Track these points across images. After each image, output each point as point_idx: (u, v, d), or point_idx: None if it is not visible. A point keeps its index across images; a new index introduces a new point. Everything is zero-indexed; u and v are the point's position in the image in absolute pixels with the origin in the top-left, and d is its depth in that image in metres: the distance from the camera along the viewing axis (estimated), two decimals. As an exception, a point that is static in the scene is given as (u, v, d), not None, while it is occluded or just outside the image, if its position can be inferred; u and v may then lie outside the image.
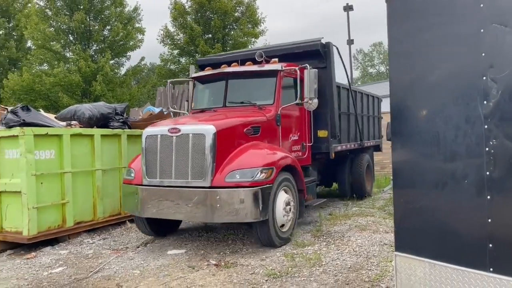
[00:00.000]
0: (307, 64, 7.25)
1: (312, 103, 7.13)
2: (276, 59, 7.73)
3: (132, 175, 6.72)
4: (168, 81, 8.99)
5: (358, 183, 10.61)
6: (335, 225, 7.78)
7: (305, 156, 7.92)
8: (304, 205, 7.32)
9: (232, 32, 29.01)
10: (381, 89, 20.05)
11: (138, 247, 6.77)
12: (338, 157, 9.53)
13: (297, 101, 7.36)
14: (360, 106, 10.79)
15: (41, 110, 9.72)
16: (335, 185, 11.67)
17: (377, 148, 12.67)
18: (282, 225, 6.42)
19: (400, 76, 3.39)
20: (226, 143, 6.15)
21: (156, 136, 6.35)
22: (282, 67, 7.41)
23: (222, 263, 5.69)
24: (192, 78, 8.70)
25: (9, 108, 7.79)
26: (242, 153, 6.24)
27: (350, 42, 31.03)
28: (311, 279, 5.01)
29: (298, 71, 7.36)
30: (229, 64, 8.30)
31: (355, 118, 10.22)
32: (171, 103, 8.43)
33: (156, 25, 45.72)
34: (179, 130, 6.15)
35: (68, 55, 28.36)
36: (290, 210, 6.52)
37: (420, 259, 3.15)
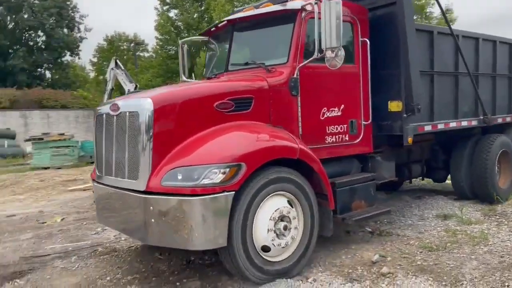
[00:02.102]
0: None
1: (337, 57, 4.49)
2: None
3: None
4: (180, 41, 6.54)
5: (481, 180, 7.02)
6: (514, 205, 6.98)
7: (357, 140, 5.34)
8: (337, 218, 4.85)
9: None
10: None
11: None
12: (448, 139, 7.18)
13: (316, 55, 4.63)
14: (487, 62, 7.23)
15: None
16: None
17: None
18: (273, 253, 4.21)
19: None
20: (175, 126, 4.14)
21: (102, 116, 4.71)
22: (302, 5, 4.86)
23: (377, 232, 5.77)
24: (201, 34, 6.47)
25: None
26: (201, 142, 4.12)
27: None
28: (472, 257, 4.73)
29: (316, 7, 4.59)
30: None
31: (471, 80, 6.67)
32: (184, 70, 6.36)
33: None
34: (118, 108, 4.40)
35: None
36: (287, 229, 4.24)
37: None
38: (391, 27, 5.48)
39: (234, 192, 3.84)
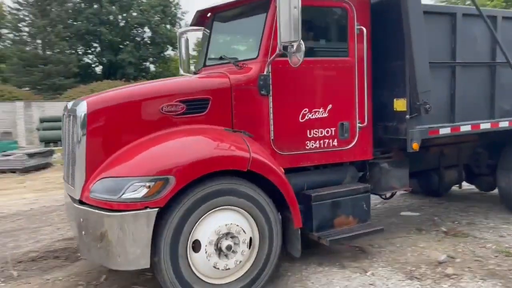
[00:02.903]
0: None
1: (298, 53, 3.71)
2: None
3: None
4: (178, 31, 5.94)
5: None
6: None
7: (350, 145, 4.60)
8: (314, 236, 4.28)
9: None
10: None
11: (376, 205, 7.15)
12: (496, 141, 6.07)
13: (278, 50, 3.84)
14: None
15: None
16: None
17: None
18: (215, 275, 3.70)
19: None
20: (113, 131, 3.74)
21: (63, 117, 4.45)
22: None
23: (452, 232, 5.54)
24: (192, 25, 5.64)
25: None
26: (136, 150, 3.69)
27: None
28: (554, 266, 4.37)
29: None
30: None
31: None
32: (184, 63, 5.85)
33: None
34: (68, 110, 4.19)
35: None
36: (233, 249, 3.67)
37: None
38: (395, 10, 4.58)
39: (157, 209, 3.39)
